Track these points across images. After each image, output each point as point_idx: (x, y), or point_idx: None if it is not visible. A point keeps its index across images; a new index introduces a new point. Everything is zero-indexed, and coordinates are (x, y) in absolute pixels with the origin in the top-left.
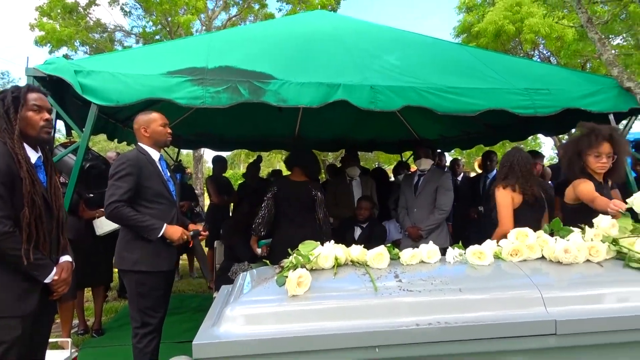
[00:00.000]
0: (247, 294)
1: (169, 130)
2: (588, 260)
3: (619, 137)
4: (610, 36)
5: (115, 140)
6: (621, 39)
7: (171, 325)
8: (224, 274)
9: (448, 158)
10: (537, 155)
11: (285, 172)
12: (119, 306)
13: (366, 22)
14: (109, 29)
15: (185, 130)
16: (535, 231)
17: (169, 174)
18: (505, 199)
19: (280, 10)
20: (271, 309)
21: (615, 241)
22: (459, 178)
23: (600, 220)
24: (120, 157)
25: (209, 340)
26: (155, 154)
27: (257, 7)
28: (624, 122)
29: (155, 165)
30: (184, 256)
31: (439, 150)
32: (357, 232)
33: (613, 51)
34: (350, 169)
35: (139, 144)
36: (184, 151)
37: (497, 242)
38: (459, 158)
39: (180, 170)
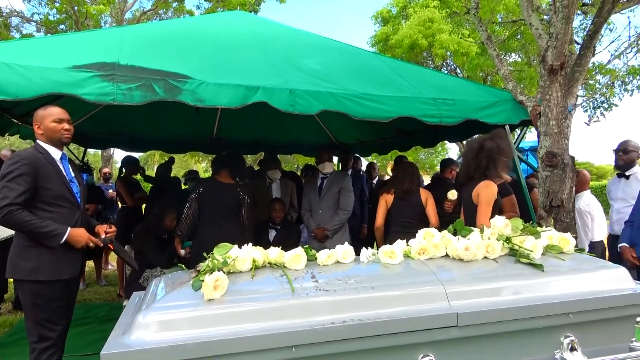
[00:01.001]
0: (161, 300)
1: (66, 127)
2: (486, 257)
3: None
4: (507, 53)
5: (7, 135)
6: (516, 56)
7: (76, 338)
8: (135, 281)
9: (364, 162)
10: (452, 162)
11: (202, 174)
12: (14, 319)
13: (286, 26)
14: (3, 13)
15: (93, 128)
16: (409, 214)
17: (72, 174)
18: (380, 202)
19: (198, 7)
20: (186, 314)
21: (508, 239)
22: (374, 181)
23: (495, 220)
24: (13, 156)
25: (119, 350)
26: (56, 153)
27: (175, 5)
28: (517, 130)
29: (56, 165)
30: (91, 263)
31: (355, 155)
32: (272, 233)
33: (509, 67)
34: (271, 172)
35: (38, 141)
36: (91, 151)
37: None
38: (375, 162)
39: (87, 171)
